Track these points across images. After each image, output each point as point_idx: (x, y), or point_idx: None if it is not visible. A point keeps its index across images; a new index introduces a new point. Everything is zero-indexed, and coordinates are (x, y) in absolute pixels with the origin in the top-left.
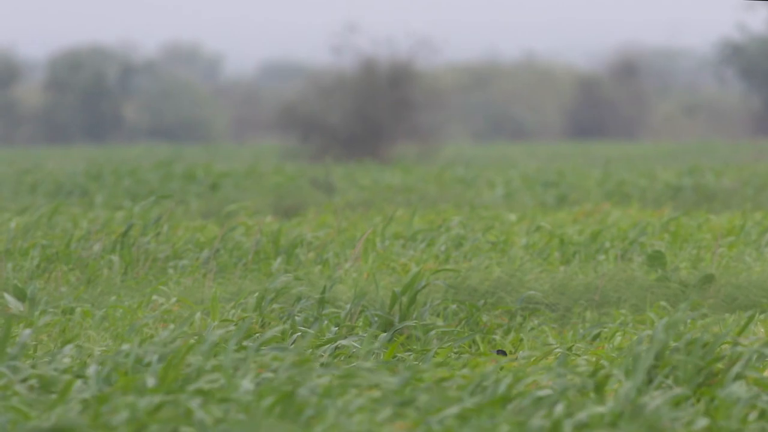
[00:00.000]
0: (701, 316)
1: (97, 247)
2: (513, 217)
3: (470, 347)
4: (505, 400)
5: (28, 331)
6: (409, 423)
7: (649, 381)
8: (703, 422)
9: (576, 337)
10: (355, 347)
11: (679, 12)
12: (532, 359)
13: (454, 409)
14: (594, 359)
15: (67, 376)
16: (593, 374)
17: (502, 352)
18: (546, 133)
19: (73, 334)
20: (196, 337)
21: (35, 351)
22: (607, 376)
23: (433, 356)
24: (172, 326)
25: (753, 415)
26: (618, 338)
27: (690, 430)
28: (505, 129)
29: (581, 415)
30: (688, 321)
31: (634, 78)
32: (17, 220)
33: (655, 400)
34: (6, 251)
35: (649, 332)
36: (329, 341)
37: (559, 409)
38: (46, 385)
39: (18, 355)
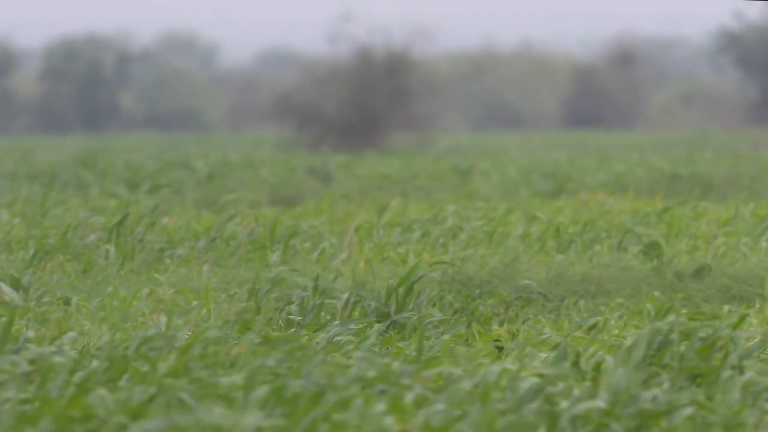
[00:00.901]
0: (696, 306)
1: (93, 237)
2: (509, 206)
3: (467, 340)
4: (501, 390)
5: (29, 332)
6: (408, 418)
7: (645, 371)
8: (698, 412)
9: (572, 327)
10: (350, 338)
11: (676, 1)
12: (528, 349)
13: (448, 404)
14: (590, 349)
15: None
16: (585, 364)
17: (498, 343)
18: (542, 123)
19: (69, 324)
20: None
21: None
22: (603, 367)
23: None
24: (163, 318)
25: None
26: (614, 329)
27: (685, 420)
28: (501, 118)
29: (577, 407)
30: (684, 312)
31: (630, 67)
32: (12, 210)
33: (650, 390)
34: (2, 241)
35: (650, 323)
36: (318, 328)
37: (555, 399)
38: (44, 375)
39: (20, 349)
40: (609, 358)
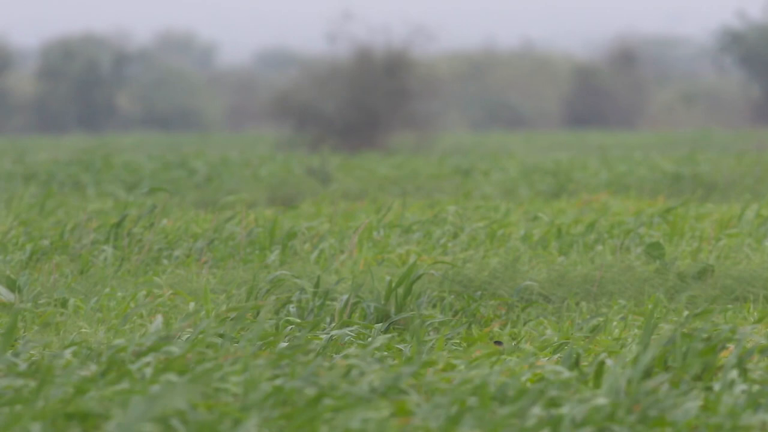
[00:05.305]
0: (699, 307)
1: (90, 238)
2: (510, 207)
3: (467, 341)
4: (501, 391)
5: (27, 337)
6: (405, 419)
7: (647, 372)
8: (700, 413)
9: (574, 328)
10: (349, 335)
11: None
12: (528, 350)
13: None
14: (592, 350)
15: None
16: (587, 365)
17: (499, 343)
18: (543, 122)
19: (65, 325)
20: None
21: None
22: (604, 367)
23: (429, 347)
24: (160, 318)
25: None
26: (616, 330)
27: (687, 420)
28: (502, 118)
29: (579, 408)
30: (686, 313)
31: (632, 66)
32: (8, 210)
33: (652, 391)
34: None
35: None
36: (315, 327)
37: (558, 401)
38: (39, 373)
39: (4, 346)
40: (610, 362)
